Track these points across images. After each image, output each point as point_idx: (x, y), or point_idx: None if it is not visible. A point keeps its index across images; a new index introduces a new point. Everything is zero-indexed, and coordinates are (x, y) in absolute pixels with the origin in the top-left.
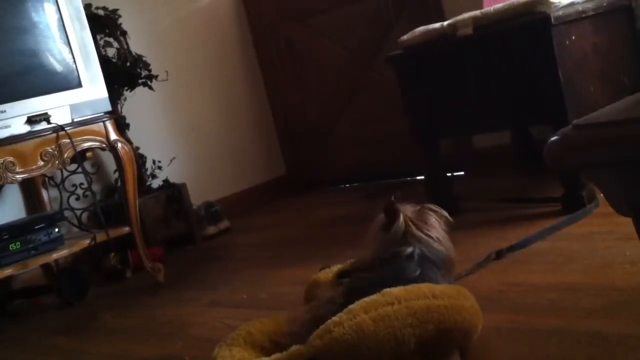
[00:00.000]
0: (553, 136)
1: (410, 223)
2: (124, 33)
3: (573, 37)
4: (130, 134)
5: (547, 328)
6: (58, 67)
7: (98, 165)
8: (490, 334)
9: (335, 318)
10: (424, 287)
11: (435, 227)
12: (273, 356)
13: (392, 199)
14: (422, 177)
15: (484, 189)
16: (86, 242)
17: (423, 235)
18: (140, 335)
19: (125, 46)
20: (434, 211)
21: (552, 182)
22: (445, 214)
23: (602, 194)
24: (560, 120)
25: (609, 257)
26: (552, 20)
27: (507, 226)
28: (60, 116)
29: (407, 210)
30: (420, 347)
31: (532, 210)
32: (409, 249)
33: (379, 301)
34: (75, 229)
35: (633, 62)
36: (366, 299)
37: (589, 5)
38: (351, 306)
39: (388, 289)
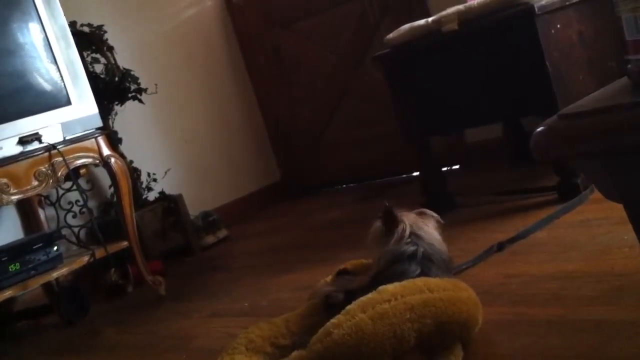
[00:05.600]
0: (538, 127)
1: (412, 224)
2: (110, 48)
3: (558, 26)
4: (123, 148)
5: (548, 318)
6: (46, 87)
7: (93, 181)
8: (491, 327)
9: (333, 320)
10: (419, 282)
11: (432, 229)
12: None
13: (387, 204)
14: (416, 174)
15: (479, 183)
16: (85, 259)
17: (425, 235)
18: (143, 350)
19: (113, 61)
20: (428, 214)
21: (546, 171)
22: (438, 217)
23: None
24: (550, 111)
25: (607, 243)
26: (536, 10)
27: (504, 219)
28: (52, 135)
29: (404, 214)
30: (420, 342)
31: (528, 201)
32: (412, 248)
33: (375, 299)
34: (74, 247)
35: (619, 47)
36: (363, 298)
37: None
38: (349, 307)
39: (383, 286)
